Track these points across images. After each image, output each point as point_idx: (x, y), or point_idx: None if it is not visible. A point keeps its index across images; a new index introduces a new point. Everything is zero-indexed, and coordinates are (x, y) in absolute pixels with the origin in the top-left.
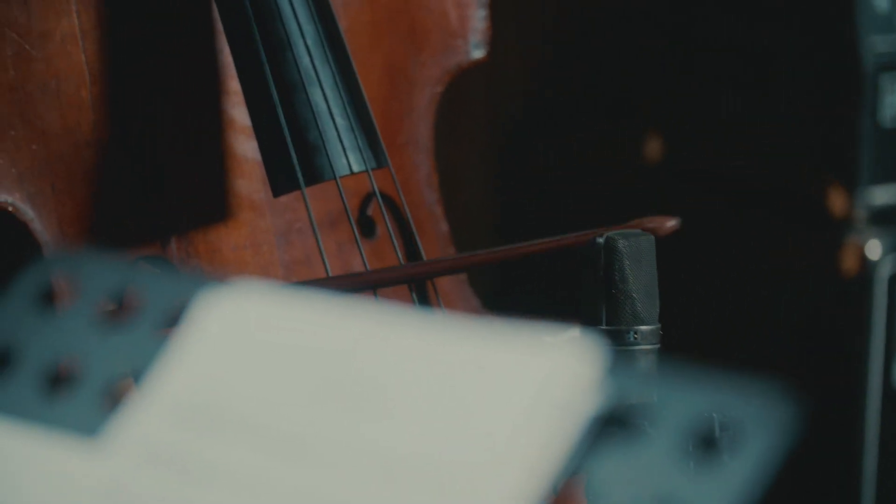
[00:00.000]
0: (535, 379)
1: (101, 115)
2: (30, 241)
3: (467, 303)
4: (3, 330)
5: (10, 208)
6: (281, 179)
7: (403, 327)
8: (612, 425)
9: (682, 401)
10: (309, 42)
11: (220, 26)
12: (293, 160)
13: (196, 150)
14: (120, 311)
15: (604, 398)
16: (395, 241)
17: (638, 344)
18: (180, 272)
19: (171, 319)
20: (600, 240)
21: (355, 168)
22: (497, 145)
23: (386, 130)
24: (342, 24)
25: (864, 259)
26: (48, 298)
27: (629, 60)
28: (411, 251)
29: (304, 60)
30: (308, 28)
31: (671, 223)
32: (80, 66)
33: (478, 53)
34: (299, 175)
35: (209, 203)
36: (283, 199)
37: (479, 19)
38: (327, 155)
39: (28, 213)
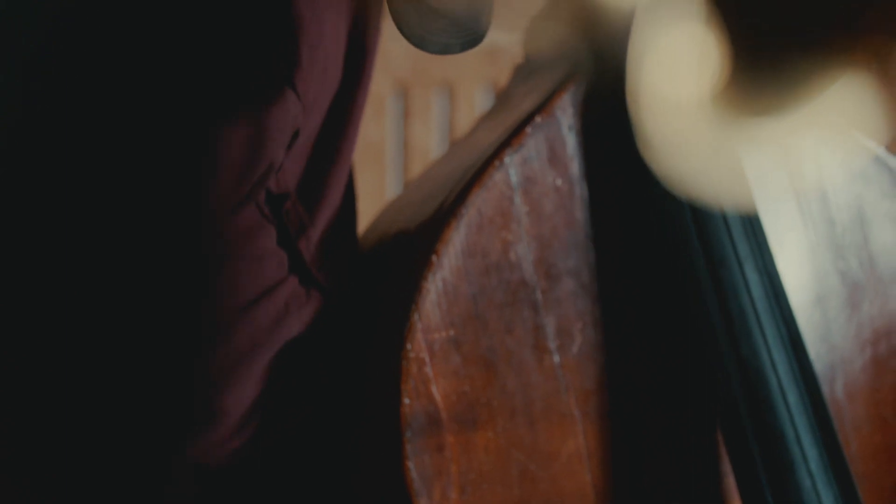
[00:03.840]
0: None
1: None
2: None
3: None
4: None
5: None
6: None
7: None
8: None
9: None
10: (812, 466)
11: (723, 453)
12: None
13: None
14: None
15: None
16: None
17: None
18: None
19: None
20: None
21: None
22: None
23: None
24: (853, 448)
25: None
26: None
27: None
28: None
29: (806, 483)
30: (811, 452)
31: None
32: (585, 487)
33: None
34: None
35: None
36: None
37: None
38: None
39: None
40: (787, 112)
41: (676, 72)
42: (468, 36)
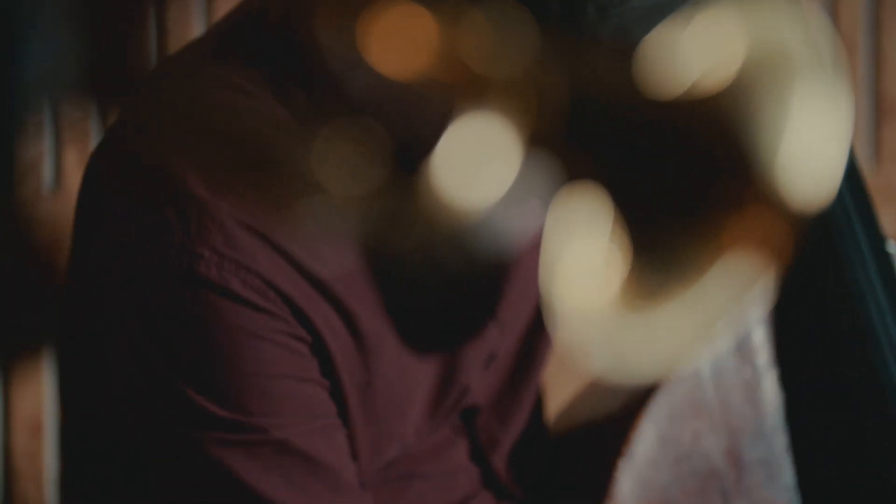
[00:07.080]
0: None
1: None
2: None
3: None
4: None
5: None
6: None
7: None
8: None
9: None
10: None
11: None
12: None
13: None
14: None
15: None
16: None
17: None
18: None
19: None
20: None
21: None
22: None
23: None
24: None
25: None
26: None
27: None
28: None
29: None
30: None
31: None
32: None
33: None
34: None
35: None
36: None
37: None
38: None
39: None
40: (681, 293)
41: (585, 279)
42: None
